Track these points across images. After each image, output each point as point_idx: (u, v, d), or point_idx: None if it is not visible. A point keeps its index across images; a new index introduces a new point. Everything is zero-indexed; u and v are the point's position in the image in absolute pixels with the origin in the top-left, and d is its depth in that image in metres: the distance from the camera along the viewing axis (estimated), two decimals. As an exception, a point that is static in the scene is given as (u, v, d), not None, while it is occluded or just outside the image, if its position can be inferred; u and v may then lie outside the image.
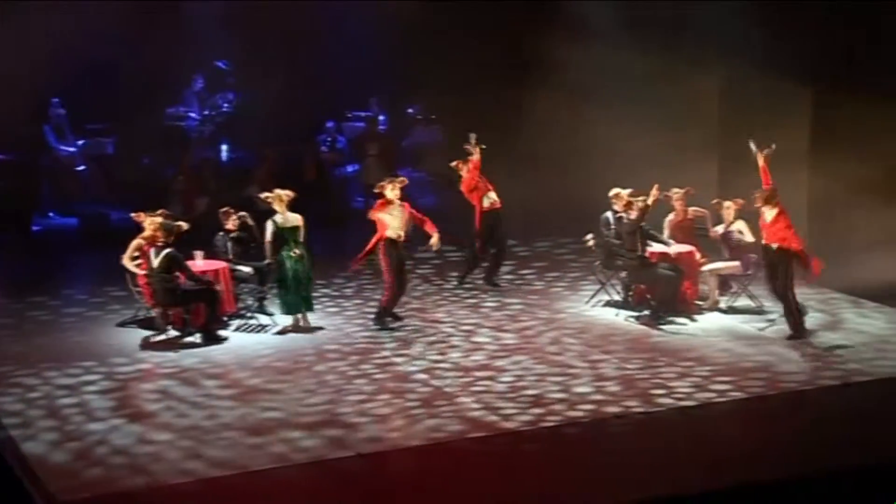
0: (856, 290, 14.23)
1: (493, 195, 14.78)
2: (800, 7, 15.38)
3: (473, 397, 11.03)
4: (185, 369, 11.92)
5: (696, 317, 13.59)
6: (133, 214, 13.20)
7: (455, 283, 15.09)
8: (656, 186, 13.21)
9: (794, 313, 12.71)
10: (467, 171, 14.82)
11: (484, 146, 14.73)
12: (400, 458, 9.78)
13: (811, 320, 13.14)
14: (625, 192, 13.77)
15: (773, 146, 13.09)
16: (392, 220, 12.97)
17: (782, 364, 11.98)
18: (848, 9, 14.93)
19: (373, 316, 13.39)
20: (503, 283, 15.13)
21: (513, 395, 11.11)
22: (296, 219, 13.16)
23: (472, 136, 14.75)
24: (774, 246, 12.63)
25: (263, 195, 13.50)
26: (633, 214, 13.32)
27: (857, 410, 10.88)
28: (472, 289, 14.91)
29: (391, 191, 13.02)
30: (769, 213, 12.72)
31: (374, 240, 13.02)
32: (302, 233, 13.14)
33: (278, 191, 13.23)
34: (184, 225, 12.88)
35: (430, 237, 13.30)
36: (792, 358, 12.17)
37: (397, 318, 13.36)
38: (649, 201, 13.19)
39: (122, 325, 13.42)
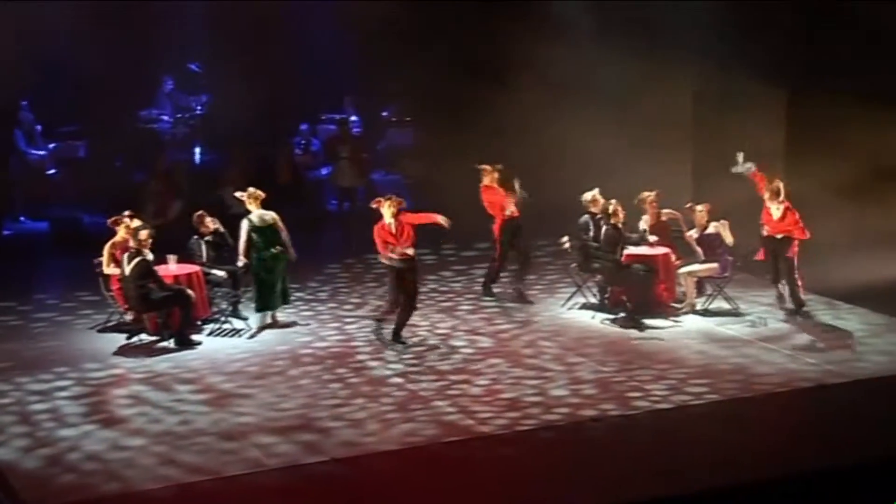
0: (829, 291, 14.34)
1: (512, 205, 14.74)
2: (772, 7, 15.50)
3: (449, 401, 11.06)
4: (159, 374, 11.90)
5: (673, 319, 13.67)
6: (110, 220, 13.14)
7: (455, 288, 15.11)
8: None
9: (796, 292, 13.35)
10: (491, 180, 14.71)
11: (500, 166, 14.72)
12: (375, 462, 9.80)
13: (786, 322, 13.26)
14: (601, 196, 13.91)
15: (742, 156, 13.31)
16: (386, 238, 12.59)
17: (758, 366, 12.07)
18: (820, 9, 15.04)
19: (385, 333, 12.91)
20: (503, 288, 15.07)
21: (488, 398, 11.15)
22: (271, 216, 13.19)
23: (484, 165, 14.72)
24: (780, 235, 13.20)
25: (238, 194, 13.49)
26: (620, 218, 13.47)
27: (833, 412, 10.98)
28: (447, 292, 14.93)
29: (388, 209, 12.62)
30: (776, 209, 13.27)
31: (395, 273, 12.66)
32: (281, 228, 13.20)
33: (252, 189, 13.25)
34: (144, 233, 12.78)
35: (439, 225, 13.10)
36: (767, 360, 12.25)
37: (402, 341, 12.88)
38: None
39: (104, 330, 13.34)
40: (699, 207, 13.88)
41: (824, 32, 15.10)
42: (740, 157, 13.53)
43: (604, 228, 13.58)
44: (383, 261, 12.65)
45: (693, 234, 13.99)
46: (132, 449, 9.96)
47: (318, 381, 11.72)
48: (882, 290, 13.81)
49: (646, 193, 14.22)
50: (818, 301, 14.27)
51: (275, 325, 13.37)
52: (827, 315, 13.83)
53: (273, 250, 13.12)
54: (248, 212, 13.21)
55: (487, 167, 14.69)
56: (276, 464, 9.67)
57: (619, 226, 13.58)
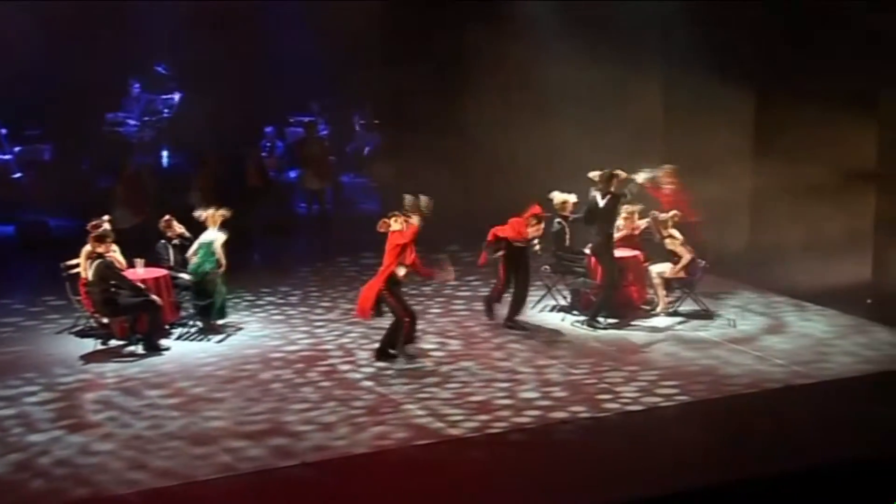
0: (797, 292, 14.56)
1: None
2: (740, 7, 15.69)
3: (419, 404, 11.17)
4: (128, 379, 11.93)
5: (642, 321, 13.85)
6: (90, 225, 13.15)
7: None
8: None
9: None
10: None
11: None
12: (345, 466, 9.88)
13: (754, 323, 13.46)
14: (571, 198, 14.11)
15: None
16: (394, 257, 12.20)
17: (727, 368, 12.25)
18: (788, 9, 15.24)
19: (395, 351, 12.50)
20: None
21: (458, 401, 11.26)
22: (220, 237, 13.26)
23: None
24: None
25: (198, 213, 13.53)
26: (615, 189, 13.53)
27: (801, 413, 11.16)
28: (417, 295, 15.00)
29: (395, 222, 12.26)
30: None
31: (378, 290, 12.26)
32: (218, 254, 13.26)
33: (213, 210, 13.31)
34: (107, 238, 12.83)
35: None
36: (736, 362, 12.43)
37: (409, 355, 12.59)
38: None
39: (72, 334, 13.36)
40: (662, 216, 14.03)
41: (793, 32, 15.26)
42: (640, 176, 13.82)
43: (605, 201, 13.55)
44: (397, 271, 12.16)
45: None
46: (102, 454, 10.00)
47: (289, 384, 11.78)
48: (847, 291, 14.03)
49: (627, 207, 14.17)
50: (787, 303, 14.49)
51: (217, 331, 13.45)
52: (794, 316, 14.03)
53: (205, 269, 13.20)
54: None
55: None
56: (246, 468, 9.73)
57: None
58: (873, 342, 13.08)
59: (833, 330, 13.53)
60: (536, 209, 13.59)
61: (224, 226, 13.33)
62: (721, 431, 10.80)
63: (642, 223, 14.33)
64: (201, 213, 13.39)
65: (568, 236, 14.25)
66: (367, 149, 21.95)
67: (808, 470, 9.68)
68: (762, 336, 13.30)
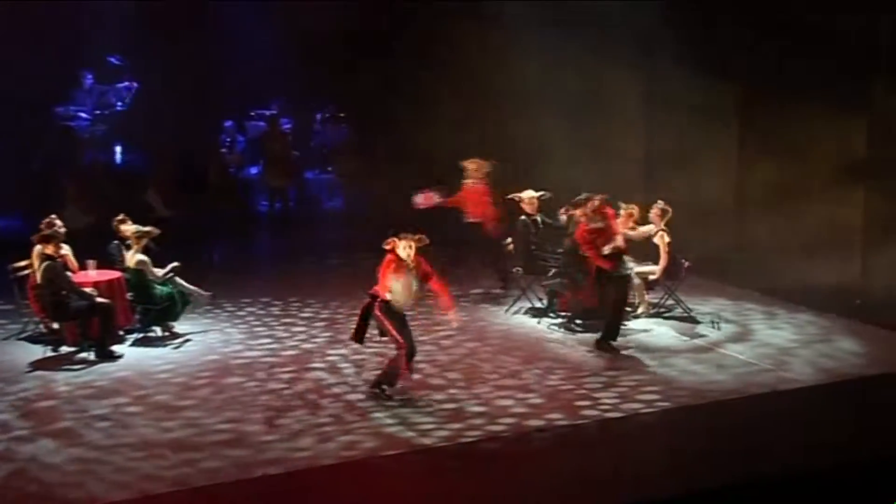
0: (781, 293, 14.54)
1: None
2: (720, 8, 15.71)
3: (388, 412, 10.97)
4: (79, 387, 11.67)
5: (623, 324, 13.63)
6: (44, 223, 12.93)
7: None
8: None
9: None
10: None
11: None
12: (310, 478, 9.65)
13: (727, 330, 13.42)
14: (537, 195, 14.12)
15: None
16: (398, 287, 11.05)
17: (710, 373, 12.15)
18: (772, 10, 15.25)
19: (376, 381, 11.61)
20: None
21: (430, 409, 11.08)
22: (139, 259, 13.05)
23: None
24: None
25: (130, 230, 13.26)
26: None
27: (784, 418, 11.05)
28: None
29: (404, 250, 11.07)
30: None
31: (364, 305, 11.22)
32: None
33: (135, 229, 13.11)
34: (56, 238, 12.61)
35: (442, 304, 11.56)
36: (720, 366, 12.33)
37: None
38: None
39: (31, 340, 13.12)
40: (653, 210, 13.91)
41: (779, 32, 15.27)
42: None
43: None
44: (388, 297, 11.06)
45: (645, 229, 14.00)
46: (51, 467, 9.74)
47: (249, 392, 11.58)
48: (829, 291, 13.97)
49: (623, 206, 14.02)
50: (757, 310, 14.44)
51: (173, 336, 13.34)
52: (779, 319, 13.98)
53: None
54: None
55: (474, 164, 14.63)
56: (203, 481, 9.49)
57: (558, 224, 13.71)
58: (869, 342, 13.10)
59: (821, 331, 13.54)
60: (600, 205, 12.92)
61: (147, 249, 13.10)
62: (702, 438, 10.65)
63: (645, 229, 14.15)
64: (126, 229, 13.19)
65: (533, 234, 14.11)
66: (332, 144, 21.82)
67: (793, 475, 9.64)
68: (743, 339, 13.23)
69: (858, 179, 14.58)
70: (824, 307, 14.15)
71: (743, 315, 14.25)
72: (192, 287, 13.50)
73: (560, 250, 13.75)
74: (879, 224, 14.31)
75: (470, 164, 14.95)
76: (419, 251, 11.08)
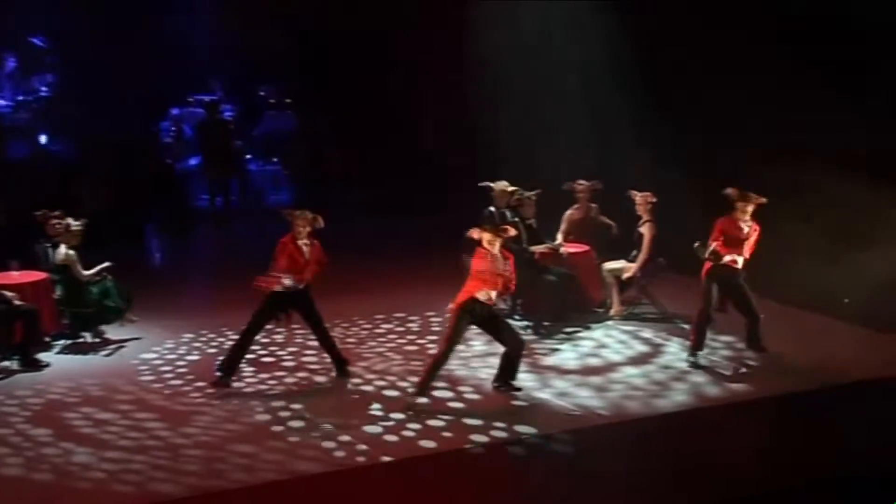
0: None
1: None
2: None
3: (320, 432, 10.80)
4: (-1, 401, 11.54)
5: (595, 325, 13.82)
6: None
7: None
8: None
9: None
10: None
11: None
12: (230, 500, 9.54)
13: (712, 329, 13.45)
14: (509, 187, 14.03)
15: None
16: (484, 276, 11.27)
17: (689, 376, 12.15)
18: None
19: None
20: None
21: (380, 418, 11.02)
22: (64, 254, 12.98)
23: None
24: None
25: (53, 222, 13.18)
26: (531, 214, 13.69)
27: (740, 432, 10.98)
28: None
29: (489, 242, 11.29)
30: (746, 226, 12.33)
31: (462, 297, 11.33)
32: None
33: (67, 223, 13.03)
34: None
35: None
36: (702, 369, 12.34)
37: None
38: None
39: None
40: (638, 198, 13.90)
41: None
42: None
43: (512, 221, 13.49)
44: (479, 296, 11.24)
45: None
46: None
47: (182, 403, 11.49)
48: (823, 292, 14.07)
49: (581, 182, 14.47)
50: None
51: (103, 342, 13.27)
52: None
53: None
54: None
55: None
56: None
57: (530, 221, 13.70)
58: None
59: (809, 333, 13.55)
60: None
61: (77, 247, 13.00)
62: (660, 451, 10.64)
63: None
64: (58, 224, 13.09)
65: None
66: (277, 132, 21.77)
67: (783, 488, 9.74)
68: (720, 338, 13.23)
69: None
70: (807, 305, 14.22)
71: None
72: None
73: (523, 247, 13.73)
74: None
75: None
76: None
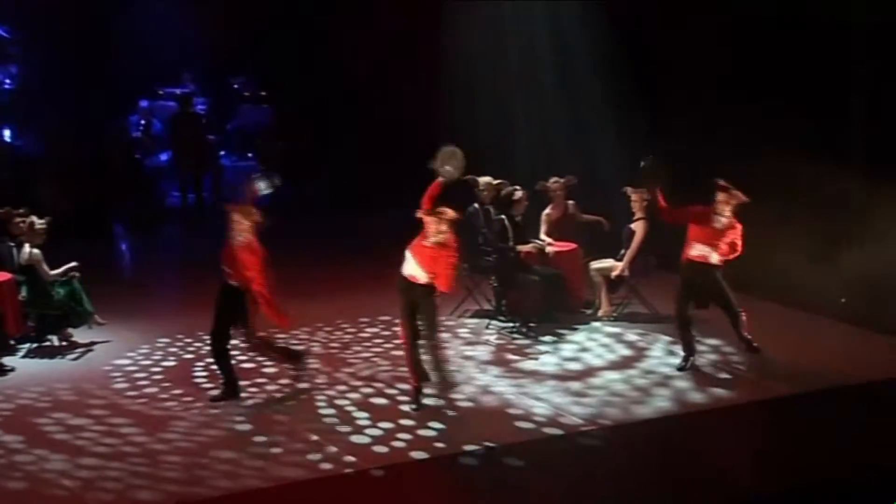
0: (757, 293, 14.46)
1: None
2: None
3: (317, 425, 10.77)
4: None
5: (581, 327, 13.67)
6: None
7: None
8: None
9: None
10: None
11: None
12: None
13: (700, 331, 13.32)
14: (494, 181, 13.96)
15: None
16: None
17: (677, 381, 11.99)
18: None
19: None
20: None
21: (354, 426, 10.85)
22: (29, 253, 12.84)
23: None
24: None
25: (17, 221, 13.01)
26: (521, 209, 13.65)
27: (760, 431, 10.99)
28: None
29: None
30: (722, 220, 12.07)
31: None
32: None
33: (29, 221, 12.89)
34: None
35: None
36: (684, 377, 12.14)
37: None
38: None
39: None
40: (634, 196, 13.78)
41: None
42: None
43: (498, 218, 13.48)
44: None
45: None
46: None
47: (162, 409, 11.30)
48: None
49: (554, 179, 14.37)
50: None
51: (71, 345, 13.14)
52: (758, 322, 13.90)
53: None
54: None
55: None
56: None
57: (518, 218, 13.53)
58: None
59: (805, 334, 13.49)
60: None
61: (41, 246, 12.85)
62: (652, 455, 10.53)
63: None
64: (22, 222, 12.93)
65: (483, 226, 13.99)
66: (252, 126, 21.66)
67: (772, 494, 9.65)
68: (709, 341, 13.08)
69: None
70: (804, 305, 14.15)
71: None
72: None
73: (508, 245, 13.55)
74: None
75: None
76: None
